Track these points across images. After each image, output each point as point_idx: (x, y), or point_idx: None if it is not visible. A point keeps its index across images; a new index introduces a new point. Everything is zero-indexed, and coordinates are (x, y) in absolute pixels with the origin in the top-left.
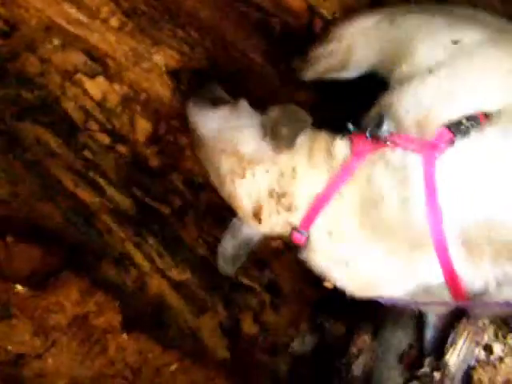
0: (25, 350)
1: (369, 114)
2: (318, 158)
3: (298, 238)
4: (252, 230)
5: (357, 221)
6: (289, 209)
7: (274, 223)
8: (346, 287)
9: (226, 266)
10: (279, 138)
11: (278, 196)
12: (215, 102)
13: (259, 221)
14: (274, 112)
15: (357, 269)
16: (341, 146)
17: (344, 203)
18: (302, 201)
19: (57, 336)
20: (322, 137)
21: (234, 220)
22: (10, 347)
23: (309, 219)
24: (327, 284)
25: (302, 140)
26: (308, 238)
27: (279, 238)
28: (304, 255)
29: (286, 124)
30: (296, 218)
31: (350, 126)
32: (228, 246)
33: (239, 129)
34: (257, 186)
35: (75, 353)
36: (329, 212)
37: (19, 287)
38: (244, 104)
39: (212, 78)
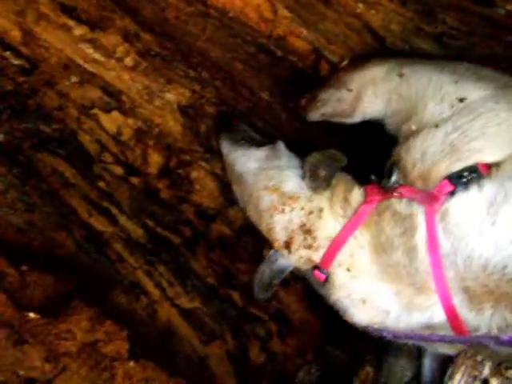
0: (36, 375)
1: (386, 166)
2: (336, 205)
3: (319, 275)
4: (286, 262)
5: (370, 262)
6: (311, 247)
7: (301, 257)
8: (361, 322)
9: (260, 294)
10: (317, 179)
11: (305, 232)
12: (248, 142)
13: (289, 251)
14: (313, 156)
15: (371, 305)
16: (357, 195)
17: (358, 245)
18: (322, 241)
19: (67, 362)
20: (342, 186)
21: (271, 252)
22: (21, 372)
23: (328, 259)
24: (346, 318)
25: (331, 184)
26: (328, 277)
27: (301, 271)
28: (324, 292)
29: (324, 166)
30: (317, 257)
31: (373, 177)
32: (264, 275)
33: (281, 168)
34: (292, 221)
35: (84, 379)
36: (346, 253)
37: (32, 315)
38: (282, 146)
39: (233, 117)
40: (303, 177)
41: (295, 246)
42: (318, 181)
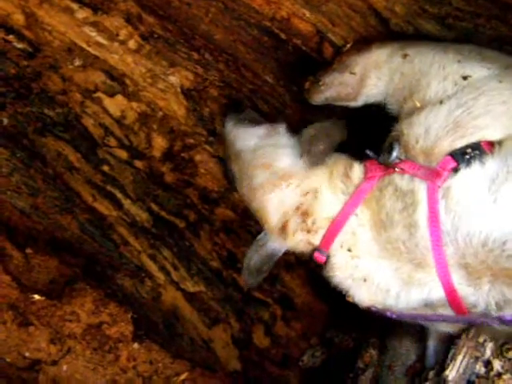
0: (41, 357)
1: (385, 141)
2: (336, 182)
3: (319, 257)
4: (276, 245)
5: (370, 239)
6: (310, 230)
7: (298, 240)
8: (363, 302)
9: (250, 279)
10: (315, 153)
11: (302, 214)
12: (253, 123)
13: (285, 236)
14: (311, 129)
15: (372, 283)
16: (357, 171)
17: (359, 224)
18: (321, 222)
19: (72, 344)
20: (342, 162)
21: (260, 235)
22: (27, 353)
23: (328, 240)
24: (349, 299)
25: (327, 162)
26: (328, 258)
27: (301, 254)
28: (326, 274)
29: (322, 140)
30: (316, 239)
31: (370, 153)
32: (253, 259)
33: (278, 146)
34: (286, 200)
35: (89, 360)
36: (347, 232)
37: (37, 297)
38: (283, 126)
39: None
40: (301, 152)
41: (291, 230)
42: (315, 155)
